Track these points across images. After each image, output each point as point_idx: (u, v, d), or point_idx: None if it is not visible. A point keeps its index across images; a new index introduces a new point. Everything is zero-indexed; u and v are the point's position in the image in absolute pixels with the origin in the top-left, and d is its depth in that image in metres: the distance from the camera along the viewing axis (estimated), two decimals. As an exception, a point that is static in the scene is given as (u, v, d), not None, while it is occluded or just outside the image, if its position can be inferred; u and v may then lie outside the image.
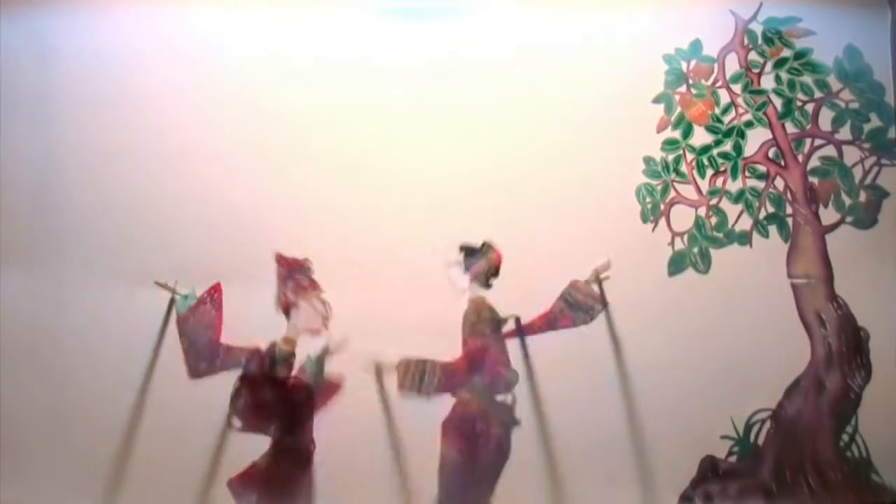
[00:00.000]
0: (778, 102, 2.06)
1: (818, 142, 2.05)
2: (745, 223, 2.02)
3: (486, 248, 1.98)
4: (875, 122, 2.06)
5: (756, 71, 2.07)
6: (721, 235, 2.02)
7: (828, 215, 2.03)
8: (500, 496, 1.91)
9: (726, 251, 2.01)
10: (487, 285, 1.98)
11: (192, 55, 2.02)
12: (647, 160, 2.03)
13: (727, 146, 2.05)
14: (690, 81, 2.06)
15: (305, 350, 1.94)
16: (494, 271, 1.98)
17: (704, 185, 2.04)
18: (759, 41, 2.08)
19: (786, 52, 2.07)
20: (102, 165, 1.98)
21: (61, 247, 1.97)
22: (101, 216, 1.98)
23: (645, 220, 2.01)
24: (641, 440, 1.95)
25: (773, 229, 2.02)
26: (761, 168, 2.04)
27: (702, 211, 2.03)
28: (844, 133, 2.05)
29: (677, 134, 2.04)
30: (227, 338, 1.94)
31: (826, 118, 2.05)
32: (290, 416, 1.91)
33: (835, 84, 2.06)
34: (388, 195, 1.99)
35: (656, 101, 2.05)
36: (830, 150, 2.05)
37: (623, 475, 1.94)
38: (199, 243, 1.97)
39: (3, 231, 1.97)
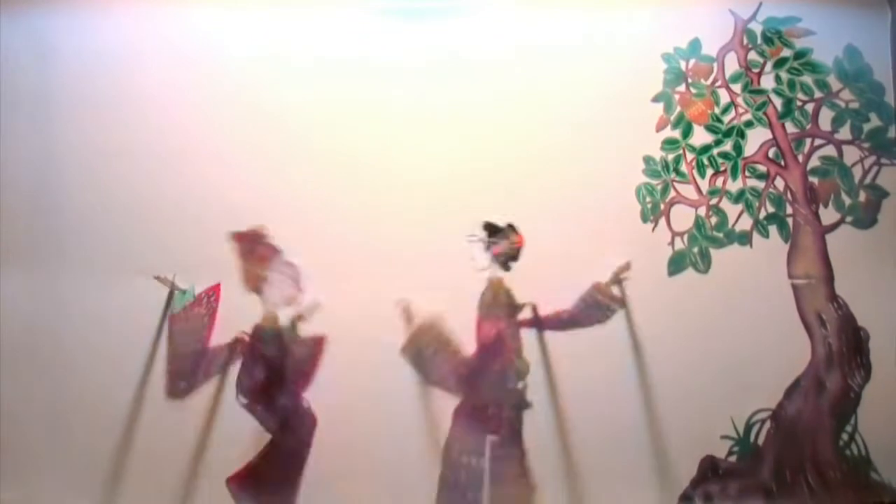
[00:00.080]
0: (778, 102, 2.06)
1: (818, 142, 2.05)
2: (746, 223, 2.02)
3: (510, 229, 1.98)
4: (875, 121, 2.06)
5: (756, 71, 2.07)
6: (721, 235, 2.02)
7: (828, 215, 2.03)
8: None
9: (726, 251, 2.01)
10: (507, 268, 1.98)
11: (192, 55, 2.02)
12: (647, 160, 2.03)
13: (727, 146, 2.05)
14: (689, 81, 2.06)
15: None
16: (515, 254, 1.98)
17: (704, 184, 2.04)
18: (759, 41, 2.08)
19: (786, 52, 2.07)
20: (102, 165, 1.98)
21: (61, 246, 1.97)
22: (101, 216, 1.98)
23: (645, 219, 2.01)
24: (641, 439, 1.95)
25: (773, 229, 2.03)
26: (761, 168, 2.04)
27: (702, 211, 2.03)
28: (844, 133, 2.05)
29: (677, 133, 2.04)
30: (219, 340, 1.95)
31: (826, 118, 2.06)
32: (287, 385, 1.92)
33: (835, 84, 2.06)
34: (388, 195, 1.99)
35: (655, 100, 2.05)
36: (830, 150, 2.05)
37: (623, 474, 1.94)
38: (199, 243, 1.97)
39: (3, 231, 1.97)
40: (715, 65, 2.07)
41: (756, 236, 2.02)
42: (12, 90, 2.00)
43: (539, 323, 1.96)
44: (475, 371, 1.94)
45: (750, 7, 2.08)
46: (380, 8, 2.05)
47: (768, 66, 2.07)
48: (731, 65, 2.07)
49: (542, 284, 1.98)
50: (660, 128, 2.04)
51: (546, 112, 2.03)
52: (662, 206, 2.02)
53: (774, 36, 2.08)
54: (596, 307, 1.97)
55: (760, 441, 1.97)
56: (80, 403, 1.93)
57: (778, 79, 2.07)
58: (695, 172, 2.04)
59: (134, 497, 1.91)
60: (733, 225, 2.02)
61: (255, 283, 1.95)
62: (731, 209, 2.03)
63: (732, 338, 1.98)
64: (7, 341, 1.94)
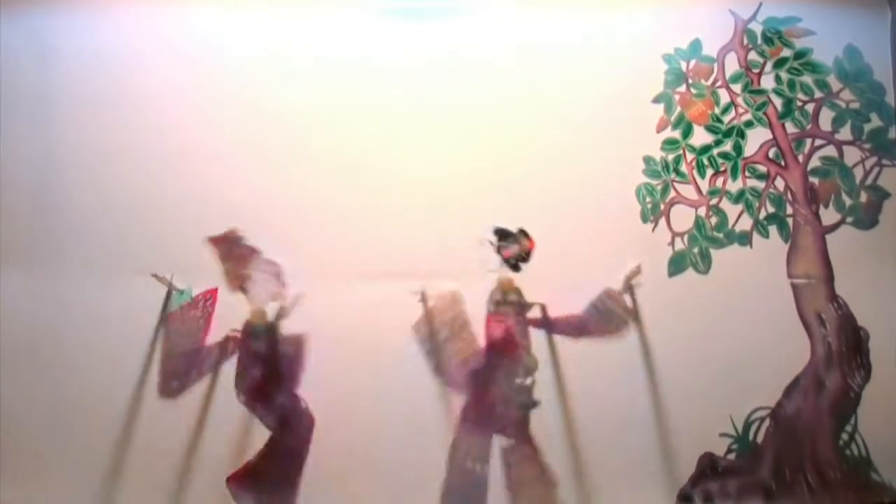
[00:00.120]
0: (778, 102, 2.06)
1: (818, 142, 2.05)
2: (746, 223, 2.02)
3: (521, 234, 1.98)
4: (875, 122, 2.06)
5: (756, 71, 2.07)
6: (721, 235, 2.02)
7: (828, 215, 2.03)
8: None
9: (726, 251, 2.01)
10: (517, 269, 1.98)
11: (192, 55, 2.02)
12: (647, 160, 2.03)
13: (727, 146, 2.05)
14: (690, 81, 2.06)
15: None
16: (525, 256, 1.98)
17: (704, 185, 2.04)
18: (759, 41, 2.08)
19: (786, 52, 2.07)
20: (102, 165, 1.98)
21: (61, 247, 1.97)
22: (101, 216, 1.98)
23: (645, 220, 2.01)
24: (641, 437, 1.95)
25: (773, 229, 2.03)
26: (761, 168, 2.04)
27: (702, 211, 2.03)
28: (845, 133, 2.05)
29: (677, 134, 2.04)
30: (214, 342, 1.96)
31: (826, 118, 2.06)
32: (283, 381, 1.93)
33: (835, 84, 2.06)
34: (388, 195, 1.99)
35: (656, 100, 2.05)
36: (831, 151, 2.05)
37: (623, 472, 1.94)
38: (198, 243, 1.97)
39: (3, 231, 1.96)
40: (715, 65, 2.07)
41: (756, 236, 2.02)
42: (12, 90, 2.00)
43: (548, 325, 1.96)
44: (484, 367, 1.95)
45: (750, 7, 2.08)
46: (380, 8, 2.05)
47: (768, 67, 2.07)
48: (732, 65, 2.07)
49: (541, 284, 1.98)
50: (660, 128, 2.04)
51: (546, 112, 2.03)
52: (662, 207, 2.02)
53: (774, 36, 2.08)
54: (608, 316, 1.97)
55: (759, 439, 1.97)
56: (80, 403, 1.93)
57: (778, 79, 2.07)
58: (695, 173, 2.04)
59: (134, 497, 1.91)
60: (733, 225, 2.02)
61: (239, 283, 1.96)
62: (731, 209, 2.03)
63: (732, 337, 1.98)
64: (7, 341, 1.94)
